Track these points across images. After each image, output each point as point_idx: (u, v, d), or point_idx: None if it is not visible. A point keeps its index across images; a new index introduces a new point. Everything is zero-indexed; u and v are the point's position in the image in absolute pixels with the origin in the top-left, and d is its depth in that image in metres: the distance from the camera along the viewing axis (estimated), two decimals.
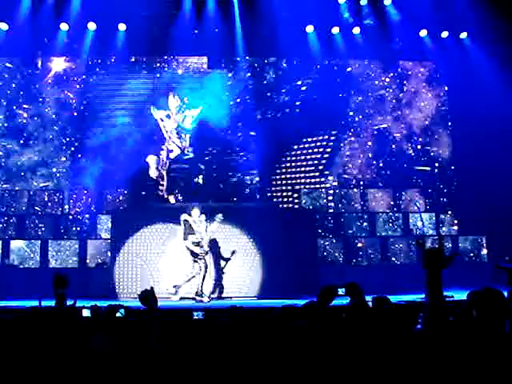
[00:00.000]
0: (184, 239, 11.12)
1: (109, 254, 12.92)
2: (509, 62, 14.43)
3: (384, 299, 4.31)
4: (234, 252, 11.85)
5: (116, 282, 11.96)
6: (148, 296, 5.11)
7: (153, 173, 13.13)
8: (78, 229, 14.04)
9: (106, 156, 14.28)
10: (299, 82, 15.60)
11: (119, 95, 15.06)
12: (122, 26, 14.94)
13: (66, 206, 14.49)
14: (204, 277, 11.13)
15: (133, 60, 15.56)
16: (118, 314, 5.37)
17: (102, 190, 14.57)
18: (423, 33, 15.55)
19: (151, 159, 13.24)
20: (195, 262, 11.11)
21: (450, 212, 15.45)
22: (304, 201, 14.79)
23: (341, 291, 6.81)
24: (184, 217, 11.19)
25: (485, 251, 14.85)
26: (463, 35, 15.67)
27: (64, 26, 14.71)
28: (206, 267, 11.18)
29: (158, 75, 15.45)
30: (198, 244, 11.08)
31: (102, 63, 15.41)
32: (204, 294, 11.16)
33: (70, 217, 14.19)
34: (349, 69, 16.05)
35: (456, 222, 15.32)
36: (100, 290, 11.41)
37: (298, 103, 15.45)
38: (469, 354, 3.51)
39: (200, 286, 11.11)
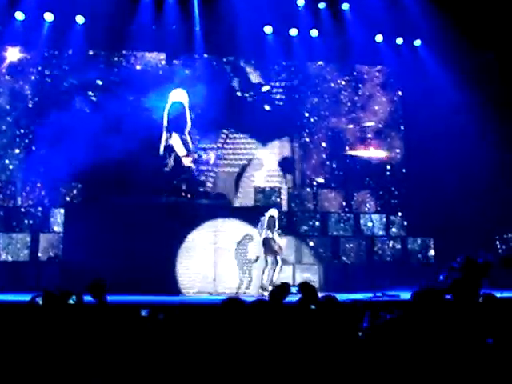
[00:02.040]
0: (272, 233, 11.56)
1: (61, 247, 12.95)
2: (460, 70, 14.92)
3: (331, 298, 4.47)
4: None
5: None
6: (98, 287, 5.10)
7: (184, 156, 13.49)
8: (31, 222, 13.88)
9: (60, 148, 14.11)
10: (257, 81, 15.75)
11: (76, 87, 14.90)
12: (79, 19, 14.80)
13: (19, 199, 14.30)
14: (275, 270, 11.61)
15: (91, 53, 15.41)
16: (70, 301, 5.35)
17: (55, 182, 14.40)
18: (379, 38, 15.91)
19: (176, 139, 13.52)
20: (274, 255, 11.60)
21: (400, 214, 15.85)
22: (257, 199, 14.96)
23: (294, 290, 6.99)
24: (272, 212, 11.75)
25: (432, 252, 15.30)
26: (417, 42, 16.12)
27: (19, 15, 14.48)
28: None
29: (116, 70, 15.37)
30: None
31: (58, 55, 15.20)
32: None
33: (23, 209, 14.01)
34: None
35: (406, 223, 15.74)
36: (51, 283, 11.33)
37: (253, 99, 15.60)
38: (409, 351, 3.71)
39: (270, 279, 11.52)
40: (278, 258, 11.65)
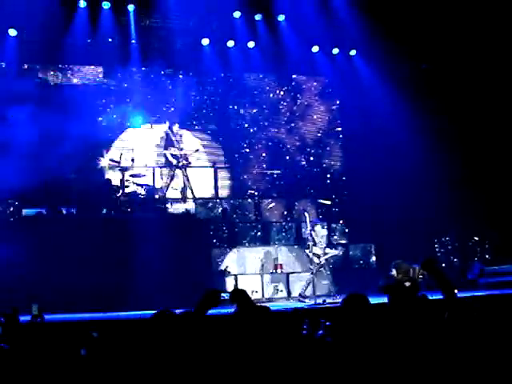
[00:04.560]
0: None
1: None
2: (394, 79, 15.27)
3: (264, 308, 4.40)
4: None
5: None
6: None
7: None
8: None
9: None
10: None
11: (11, 101, 14.48)
12: (12, 32, 14.44)
13: None
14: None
15: (25, 67, 15.06)
16: None
17: None
18: (315, 49, 16.13)
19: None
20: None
21: (341, 221, 16.01)
22: (198, 211, 14.86)
23: (226, 296, 6.79)
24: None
25: (374, 258, 15.55)
26: (352, 52, 16.43)
27: None
28: None
29: (52, 83, 15.07)
30: None
31: None
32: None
33: None
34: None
35: (347, 230, 15.92)
36: None
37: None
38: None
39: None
40: (322, 269, 12.44)
